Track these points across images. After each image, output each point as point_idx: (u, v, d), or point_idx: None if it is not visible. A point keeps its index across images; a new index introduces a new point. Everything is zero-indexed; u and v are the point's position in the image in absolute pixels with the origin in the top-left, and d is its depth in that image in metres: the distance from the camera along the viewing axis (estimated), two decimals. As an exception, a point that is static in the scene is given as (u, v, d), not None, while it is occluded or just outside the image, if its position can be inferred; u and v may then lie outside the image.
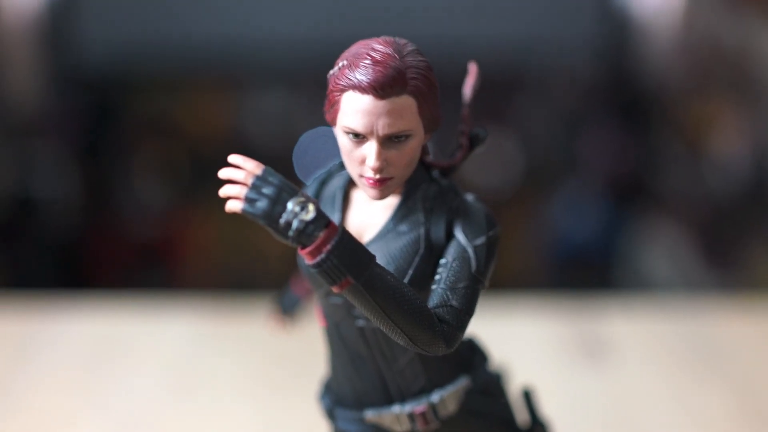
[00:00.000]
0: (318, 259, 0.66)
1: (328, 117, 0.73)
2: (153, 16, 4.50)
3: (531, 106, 4.52)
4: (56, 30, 4.47)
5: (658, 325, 1.71)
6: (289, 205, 0.65)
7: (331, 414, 0.82)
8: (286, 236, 0.66)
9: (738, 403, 1.47)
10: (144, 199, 4.03)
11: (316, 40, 4.29)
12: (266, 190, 0.66)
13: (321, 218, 0.66)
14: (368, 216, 0.77)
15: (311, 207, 0.66)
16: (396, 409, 0.78)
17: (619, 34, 4.54)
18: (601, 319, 1.73)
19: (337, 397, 0.82)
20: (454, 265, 0.73)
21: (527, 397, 0.88)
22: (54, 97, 4.57)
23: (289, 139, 3.63)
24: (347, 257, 0.66)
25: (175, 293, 1.99)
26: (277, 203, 0.65)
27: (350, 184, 0.79)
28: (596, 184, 4.14)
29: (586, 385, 1.53)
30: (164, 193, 4.00)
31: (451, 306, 0.71)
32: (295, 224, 0.65)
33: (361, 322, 0.76)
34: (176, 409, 1.46)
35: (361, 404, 0.80)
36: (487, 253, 0.73)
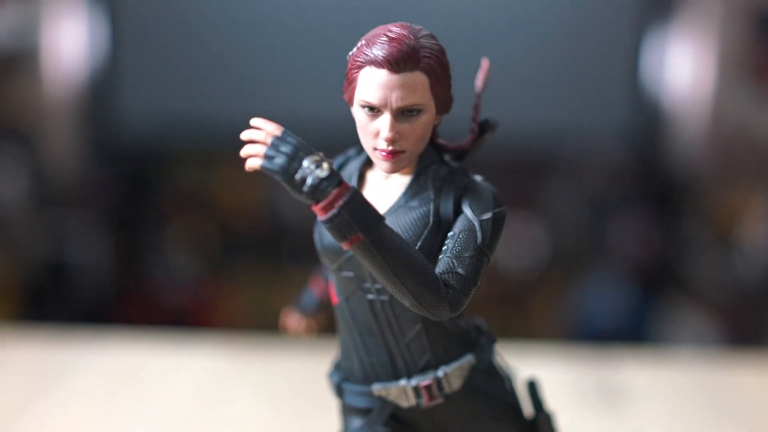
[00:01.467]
0: (330, 214, 0.70)
1: (346, 96, 0.79)
2: (190, 91, 4.64)
3: (561, 190, 4.57)
4: (96, 101, 4.62)
5: (673, 374, 1.72)
6: (305, 163, 0.70)
7: (339, 389, 0.85)
8: (300, 191, 0.70)
9: None
10: (175, 268, 4.09)
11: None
12: (284, 148, 0.70)
13: (334, 176, 0.70)
14: (382, 193, 0.81)
15: (326, 165, 0.70)
16: (402, 382, 0.81)
17: (650, 121, 4.61)
18: (619, 369, 1.74)
19: (346, 373, 0.85)
20: (461, 236, 0.76)
21: (532, 387, 0.90)
22: (92, 166, 4.70)
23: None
24: (358, 214, 0.70)
25: (197, 331, 2.03)
26: (294, 160, 0.70)
27: (365, 165, 0.84)
28: (623, 269, 4.16)
29: (604, 429, 1.53)
30: (195, 262, 4.06)
31: (456, 273, 0.75)
32: (309, 180, 0.70)
33: (370, 296, 0.80)
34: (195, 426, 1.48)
35: (368, 379, 0.82)
36: (493, 227, 0.77)
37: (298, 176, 0.70)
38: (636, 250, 4.22)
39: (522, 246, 4.28)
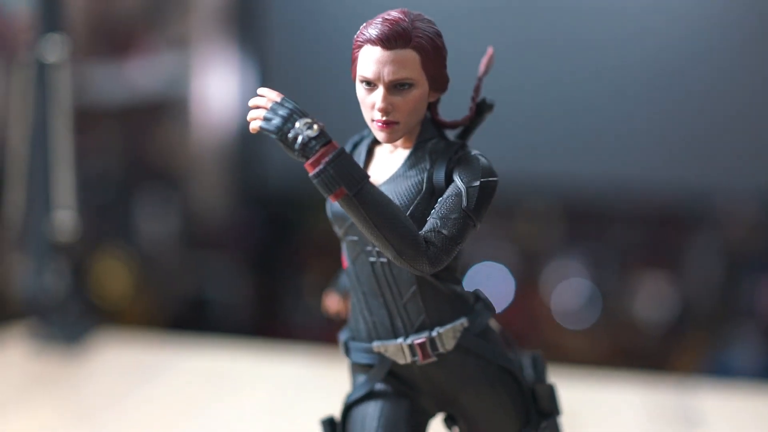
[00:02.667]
0: (317, 169, 0.79)
1: (352, 75, 0.88)
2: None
3: (703, 246, 4.48)
4: (243, 148, 4.90)
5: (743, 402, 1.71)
6: (297, 124, 0.80)
7: (346, 348, 0.93)
8: (292, 149, 0.80)
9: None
10: (311, 312, 4.25)
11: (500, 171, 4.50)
12: (281, 112, 0.80)
13: (323, 136, 0.80)
14: (386, 164, 0.90)
15: (316, 127, 0.80)
16: (399, 340, 0.88)
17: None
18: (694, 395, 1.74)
19: (353, 333, 0.93)
20: (448, 200, 0.84)
21: (536, 361, 0.95)
22: (236, 210, 4.96)
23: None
24: (343, 170, 0.79)
25: (282, 341, 2.15)
26: (288, 121, 0.80)
27: (374, 142, 0.93)
28: (758, 328, 4.03)
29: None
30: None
31: (439, 232, 0.82)
32: (300, 139, 0.79)
33: (372, 258, 0.88)
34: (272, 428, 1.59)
35: (370, 338, 0.90)
36: (479, 195, 0.84)
37: (290, 135, 0.80)
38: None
39: (653, 300, 4.21)
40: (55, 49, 1.76)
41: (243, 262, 4.68)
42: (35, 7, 1.74)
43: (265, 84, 5.11)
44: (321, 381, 1.81)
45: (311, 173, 0.79)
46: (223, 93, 4.81)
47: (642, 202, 4.69)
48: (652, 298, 4.25)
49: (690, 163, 4.66)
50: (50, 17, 1.74)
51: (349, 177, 0.79)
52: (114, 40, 3.85)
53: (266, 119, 0.81)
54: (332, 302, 1.11)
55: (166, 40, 4.29)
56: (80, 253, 1.84)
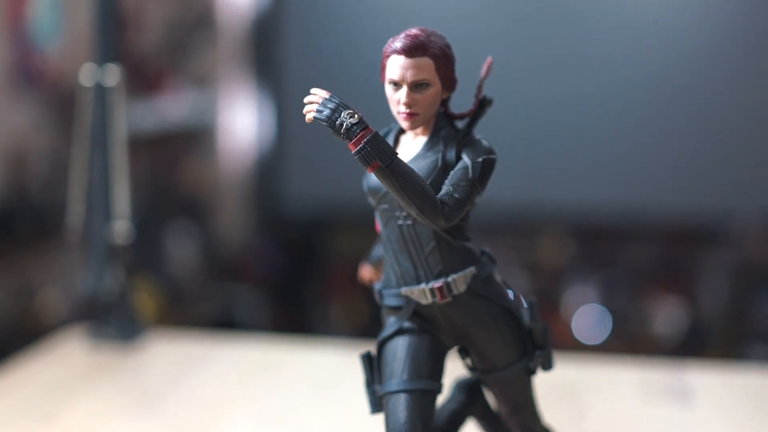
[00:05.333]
0: (358, 147, 1.08)
1: (381, 78, 1.17)
2: (350, 170, 5.13)
3: (712, 266, 4.73)
4: (263, 180, 5.22)
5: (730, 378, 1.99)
6: (343, 114, 1.09)
7: (380, 294, 1.22)
8: (339, 133, 1.09)
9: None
10: (333, 331, 4.53)
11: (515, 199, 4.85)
12: (330, 105, 1.10)
13: (362, 123, 1.09)
14: (410, 148, 1.19)
15: (357, 116, 1.09)
16: (422, 285, 1.17)
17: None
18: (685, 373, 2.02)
19: (385, 284, 1.21)
20: (458, 172, 1.13)
21: (531, 306, 1.23)
22: (257, 238, 5.26)
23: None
24: (377, 148, 1.08)
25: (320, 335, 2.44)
26: (335, 112, 1.09)
27: (400, 132, 1.22)
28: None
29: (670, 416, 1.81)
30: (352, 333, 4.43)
31: (452, 195, 1.11)
32: (345, 125, 1.08)
33: (400, 222, 1.16)
34: (308, 413, 1.87)
35: (399, 285, 1.19)
36: (482, 168, 1.13)
37: (337, 123, 1.09)
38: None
39: (675, 319, 4.47)
40: (112, 76, 2.07)
41: (267, 290, 4.95)
42: (95, 39, 2.04)
43: (281, 115, 5.46)
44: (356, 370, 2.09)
45: (354, 151, 1.08)
46: (243, 125, 5.12)
47: (655, 225, 4.97)
48: (667, 317, 4.51)
49: (701, 184, 4.96)
50: (107, 47, 2.05)
51: (383, 152, 1.08)
52: (141, 76, 4.16)
53: (318, 111, 1.10)
54: (366, 272, 1.40)
55: (189, 76, 4.61)
56: (133, 258, 2.13)
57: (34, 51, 3.30)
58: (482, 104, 1.20)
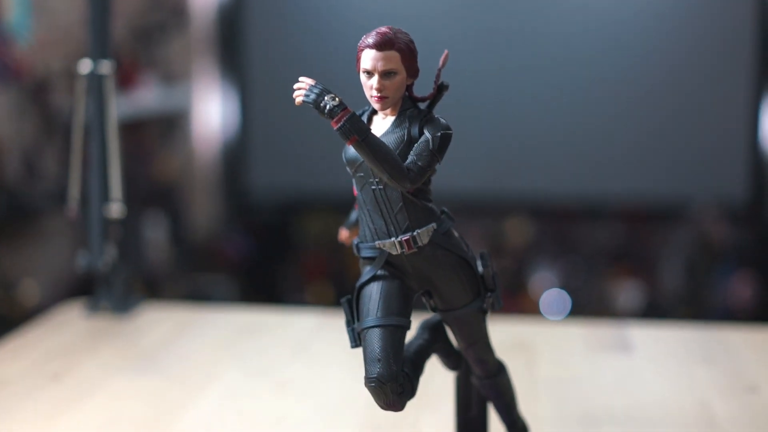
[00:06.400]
0: (339, 124, 1.37)
1: (356, 69, 1.47)
2: (306, 160, 5.50)
3: (672, 248, 5.08)
4: (231, 171, 5.49)
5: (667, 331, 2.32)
6: (326, 98, 1.38)
7: (357, 248, 1.52)
8: (323, 113, 1.38)
9: (725, 377, 2.04)
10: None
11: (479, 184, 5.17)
12: (315, 90, 1.39)
13: (342, 105, 1.38)
14: (381, 126, 1.48)
15: (338, 99, 1.38)
16: (393, 238, 1.47)
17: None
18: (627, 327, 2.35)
19: (361, 238, 1.51)
20: (420, 145, 1.42)
21: (483, 256, 1.53)
22: (226, 226, 5.54)
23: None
24: (355, 125, 1.37)
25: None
26: (320, 96, 1.38)
27: (372, 113, 1.52)
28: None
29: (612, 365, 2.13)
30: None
31: (416, 163, 1.41)
32: (328, 107, 1.38)
33: (373, 186, 1.46)
34: (290, 367, 2.17)
35: (373, 239, 1.48)
36: (441, 141, 1.43)
37: (322, 104, 1.38)
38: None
39: (635, 298, 4.81)
40: (106, 64, 2.35)
41: (238, 276, 5.23)
42: (90, 31, 2.32)
43: (245, 106, 5.74)
44: (329, 331, 2.40)
45: (335, 128, 1.38)
46: (212, 115, 5.38)
47: (616, 207, 5.31)
48: (627, 298, 4.86)
49: (659, 168, 5.31)
50: (101, 40, 2.33)
51: (359, 129, 1.37)
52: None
53: (306, 95, 1.39)
54: (344, 234, 1.70)
55: (158, 66, 4.86)
56: (131, 234, 2.41)
57: (6, 43, 3.55)
58: (440, 89, 1.50)
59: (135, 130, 4.73)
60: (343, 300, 1.51)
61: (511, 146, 5.40)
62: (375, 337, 1.45)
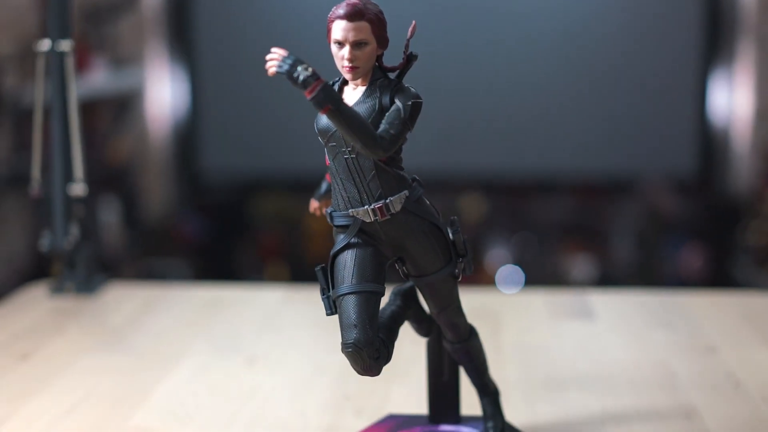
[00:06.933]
0: (312, 94, 1.39)
1: (327, 40, 1.49)
2: (257, 142, 5.51)
3: (622, 221, 5.17)
4: (184, 153, 5.48)
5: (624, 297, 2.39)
6: (299, 68, 1.40)
7: (330, 217, 1.54)
8: (296, 83, 1.40)
9: (683, 340, 2.10)
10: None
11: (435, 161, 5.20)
12: (288, 61, 1.41)
13: (315, 75, 1.40)
14: (352, 96, 1.51)
15: (311, 70, 1.40)
16: (366, 206, 1.50)
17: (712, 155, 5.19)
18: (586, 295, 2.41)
19: (334, 207, 1.54)
20: (392, 113, 1.45)
21: (453, 222, 1.57)
22: (180, 208, 5.53)
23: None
24: (328, 94, 1.40)
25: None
26: (293, 66, 1.40)
27: (343, 83, 1.54)
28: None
29: (574, 330, 2.19)
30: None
31: (388, 131, 1.44)
32: (301, 77, 1.40)
33: (346, 156, 1.49)
34: (258, 341, 2.19)
35: (347, 207, 1.51)
36: (412, 109, 1.46)
37: (295, 75, 1.40)
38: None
39: (586, 267, 4.89)
40: (66, 41, 2.34)
41: (194, 258, 5.22)
42: (50, 8, 2.31)
43: (196, 87, 5.72)
44: (292, 307, 2.42)
45: (309, 97, 1.40)
46: (164, 98, 5.35)
47: (567, 183, 5.39)
48: (580, 270, 4.94)
49: (609, 143, 5.39)
50: (62, 17, 2.32)
51: (332, 98, 1.40)
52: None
53: (279, 66, 1.41)
54: (313, 204, 1.73)
55: (110, 48, 4.82)
56: (88, 216, 2.41)
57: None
58: (409, 59, 1.53)
59: (86, 112, 4.68)
60: (317, 268, 1.54)
61: (464, 123, 5.45)
62: (350, 304, 1.48)
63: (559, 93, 5.46)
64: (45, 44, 2.35)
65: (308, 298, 2.47)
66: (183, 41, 5.52)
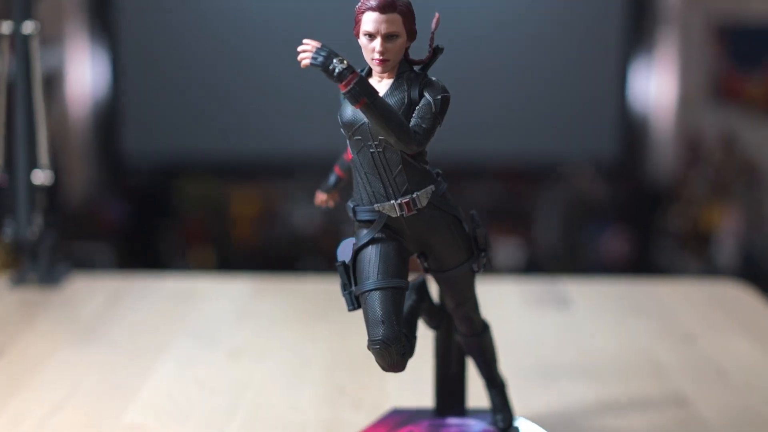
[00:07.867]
0: (348, 87, 1.37)
1: (354, 32, 1.47)
2: (180, 126, 5.42)
3: (551, 200, 5.25)
4: (105, 136, 5.34)
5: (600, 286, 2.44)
6: (334, 61, 1.37)
7: (354, 211, 1.52)
8: (332, 76, 1.37)
9: (661, 327, 2.15)
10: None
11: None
12: (323, 53, 1.38)
13: (350, 68, 1.38)
14: (378, 90, 1.49)
15: (346, 62, 1.38)
16: (392, 201, 1.48)
17: (633, 140, 5.30)
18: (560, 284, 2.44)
19: (357, 201, 1.52)
20: (423, 107, 1.44)
21: (473, 217, 1.57)
22: (102, 191, 5.39)
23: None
24: (364, 87, 1.37)
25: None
26: (328, 59, 1.37)
27: (367, 75, 1.52)
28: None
29: (553, 319, 2.21)
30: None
31: (420, 126, 1.42)
32: (337, 70, 1.37)
33: (372, 150, 1.46)
34: (238, 333, 2.15)
35: (371, 202, 1.49)
36: (441, 103, 1.44)
37: (330, 67, 1.37)
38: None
39: (513, 251, 4.95)
40: (30, 23, 2.24)
41: (116, 241, 5.10)
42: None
43: (117, 69, 5.59)
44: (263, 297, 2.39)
45: (344, 91, 1.37)
46: (85, 79, 5.20)
47: (493, 168, 5.44)
48: (507, 254, 4.99)
49: (534, 129, 5.46)
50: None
51: (368, 91, 1.38)
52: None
53: (314, 58, 1.38)
54: (320, 197, 1.70)
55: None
56: (54, 204, 2.32)
57: None
58: (435, 52, 1.52)
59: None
60: (338, 264, 1.51)
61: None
62: (376, 300, 1.46)
63: (483, 79, 5.51)
64: (7, 26, 2.24)
65: (277, 288, 2.43)
66: (104, 21, 5.37)
